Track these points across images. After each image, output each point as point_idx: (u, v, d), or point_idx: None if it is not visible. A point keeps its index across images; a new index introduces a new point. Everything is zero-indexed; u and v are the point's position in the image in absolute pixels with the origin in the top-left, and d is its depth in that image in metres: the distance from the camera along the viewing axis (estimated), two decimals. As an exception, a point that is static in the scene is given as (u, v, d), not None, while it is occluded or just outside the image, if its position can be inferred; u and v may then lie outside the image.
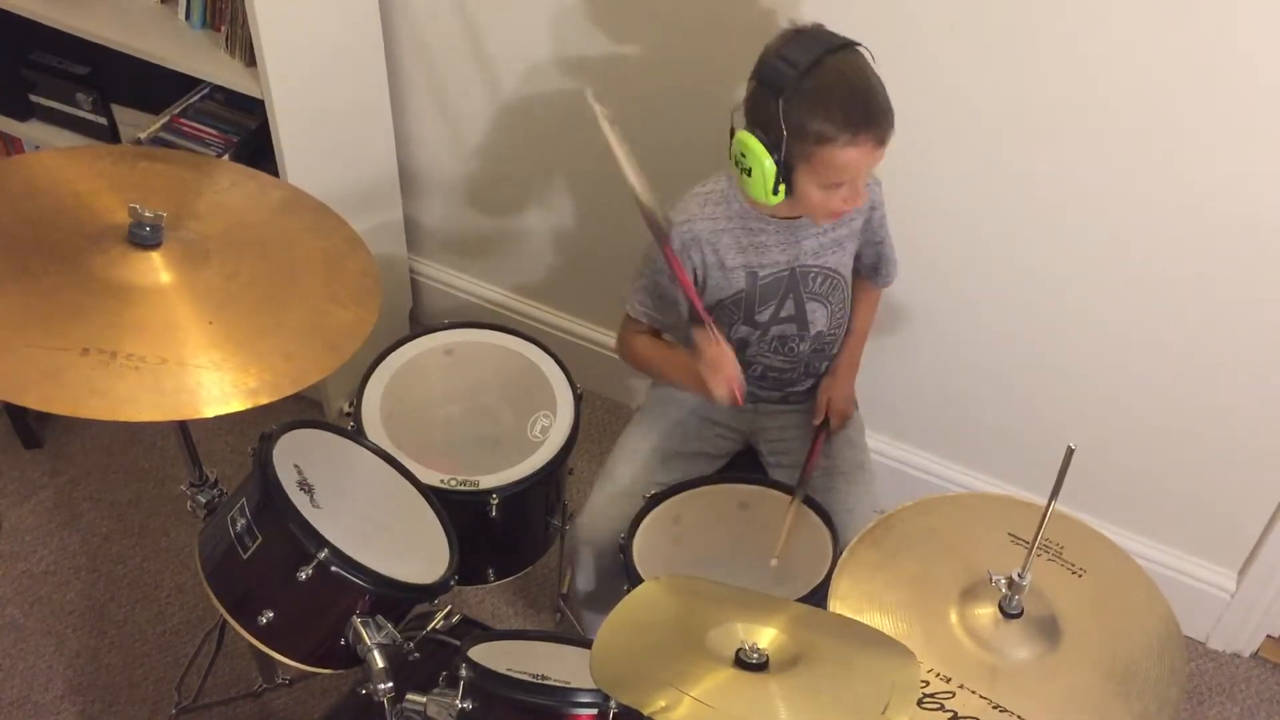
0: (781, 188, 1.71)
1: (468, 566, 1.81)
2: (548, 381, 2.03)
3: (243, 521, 1.62)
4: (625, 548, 1.83)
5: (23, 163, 1.74)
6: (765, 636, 1.30)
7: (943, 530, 1.53)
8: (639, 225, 1.90)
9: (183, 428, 1.78)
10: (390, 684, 1.59)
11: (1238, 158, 1.86)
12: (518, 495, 1.90)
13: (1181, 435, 2.19)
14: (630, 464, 1.98)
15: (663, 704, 1.19)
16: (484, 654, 1.59)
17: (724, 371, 1.77)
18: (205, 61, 2.27)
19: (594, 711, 1.53)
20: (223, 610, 1.63)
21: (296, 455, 1.70)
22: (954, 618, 1.40)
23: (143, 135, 2.39)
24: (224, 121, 2.42)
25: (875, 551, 1.49)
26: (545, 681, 1.56)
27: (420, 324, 2.86)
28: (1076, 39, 1.86)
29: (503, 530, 1.95)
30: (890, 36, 1.71)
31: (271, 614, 1.60)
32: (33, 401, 1.40)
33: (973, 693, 1.33)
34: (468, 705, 1.54)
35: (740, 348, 1.97)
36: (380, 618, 1.64)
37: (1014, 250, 2.12)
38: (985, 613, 1.39)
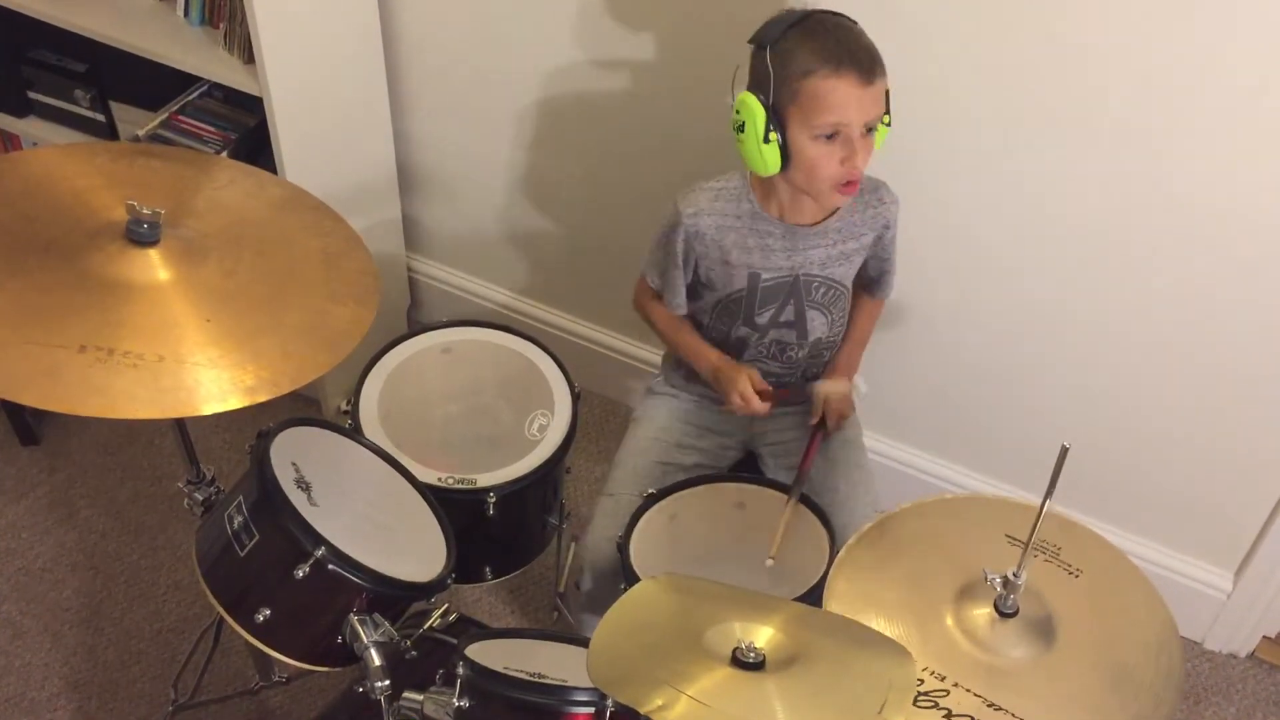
0: (774, 137, 1.71)
1: (465, 565, 1.81)
2: (546, 380, 2.03)
3: (240, 519, 1.62)
4: (622, 547, 1.83)
5: (21, 159, 1.74)
6: (762, 636, 1.30)
7: (939, 531, 1.53)
8: (637, 224, 1.91)
9: (180, 425, 1.77)
10: (387, 682, 1.59)
11: (1236, 159, 1.86)
12: (515, 494, 1.90)
13: (1179, 436, 2.19)
14: (633, 482, 1.98)
15: (659, 703, 1.19)
16: (481, 652, 1.59)
17: (732, 382, 1.88)
18: (204, 59, 2.26)
19: (591, 710, 1.53)
20: (219, 608, 1.63)
21: (294, 453, 1.70)
22: (950, 618, 1.40)
23: (141, 132, 2.39)
24: (222, 119, 2.42)
25: (871, 552, 1.49)
26: (542, 680, 1.56)
27: (418, 322, 2.85)
28: (1075, 38, 1.86)
29: (500, 529, 1.95)
30: (890, 35, 1.72)
31: (268, 611, 1.60)
32: (30, 399, 1.40)
33: (968, 692, 1.33)
34: (465, 703, 1.54)
35: (739, 348, 1.97)
36: (377, 616, 1.64)
37: (1011, 250, 2.12)
38: (981, 613, 1.39)
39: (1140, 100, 1.87)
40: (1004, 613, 1.38)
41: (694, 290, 1.96)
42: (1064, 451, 1.27)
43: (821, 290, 1.91)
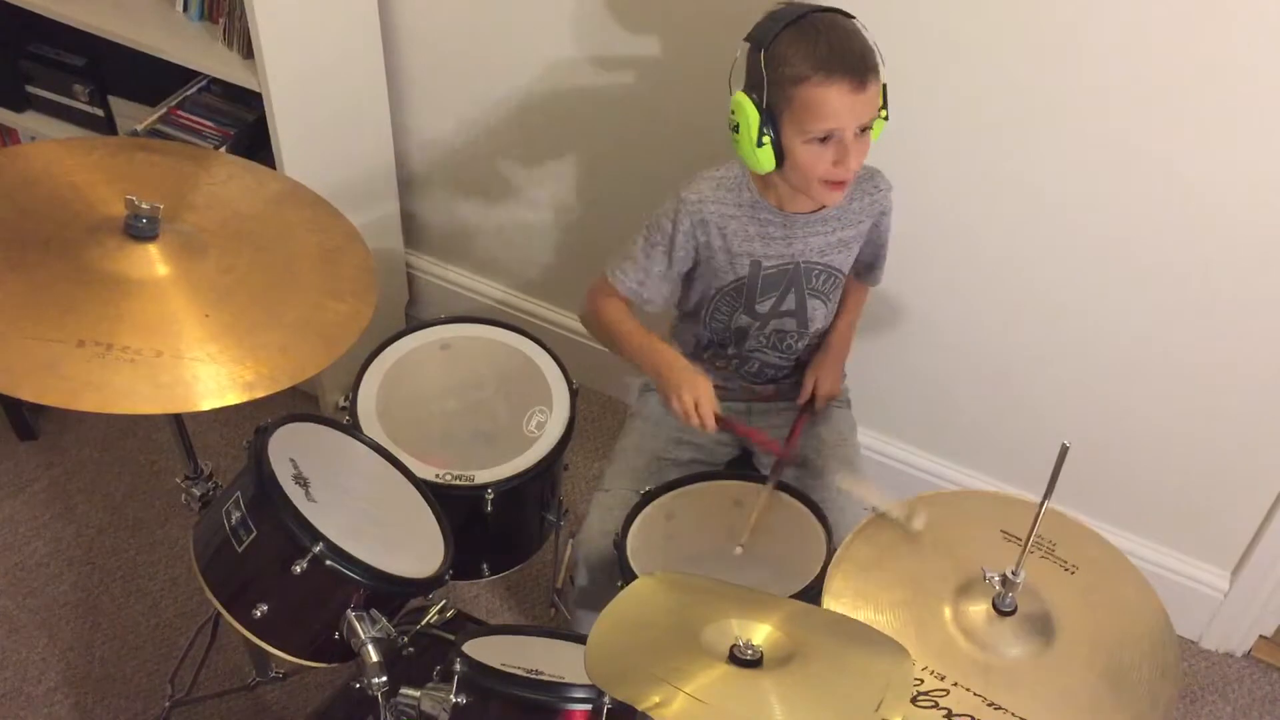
0: (767, 139, 1.70)
1: (462, 561, 1.81)
2: (544, 377, 2.03)
3: (237, 515, 1.62)
4: (619, 545, 1.83)
5: (19, 154, 1.74)
6: (760, 633, 1.30)
7: (936, 528, 1.53)
8: (636, 220, 1.91)
9: (178, 421, 1.77)
10: (384, 678, 1.59)
11: (1235, 158, 1.86)
12: (513, 490, 1.90)
13: (1176, 434, 2.20)
14: (627, 478, 1.98)
15: (657, 700, 1.19)
16: (478, 649, 1.59)
17: (694, 393, 1.81)
18: (203, 54, 2.26)
19: (588, 707, 1.53)
20: (217, 603, 1.63)
21: (292, 449, 1.70)
22: (948, 615, 1.41)
23: (139, 127, 2.38)
24: (221, 114, 2.42)
25: (869, 549, 1.49)
26: (539, 677, 1.56)
27: (416, 319, 2.85)
28: (1074, 34, 1.86)
29: (498, 525, 1.95)
30: (889, 34, 1.71)
31: (266, 607, 1.60)
32: (28, 394, 1.40)
33: (967, 690, 1.33)
34: (462, 700, 1.53)
35: (739, 338, 1.97)
36: (375, 612, 1.64)
37: (1008, 247, 2.12)
38: (979, 610, 1.40)
39: (1140, 99, 1.87)
40: (1002, 610, 1.39)
41: (690, 281, 1.96)
42: (1064, 451, 1.27)
43: (822, 278, 1.91)
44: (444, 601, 1.83)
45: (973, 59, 1.95)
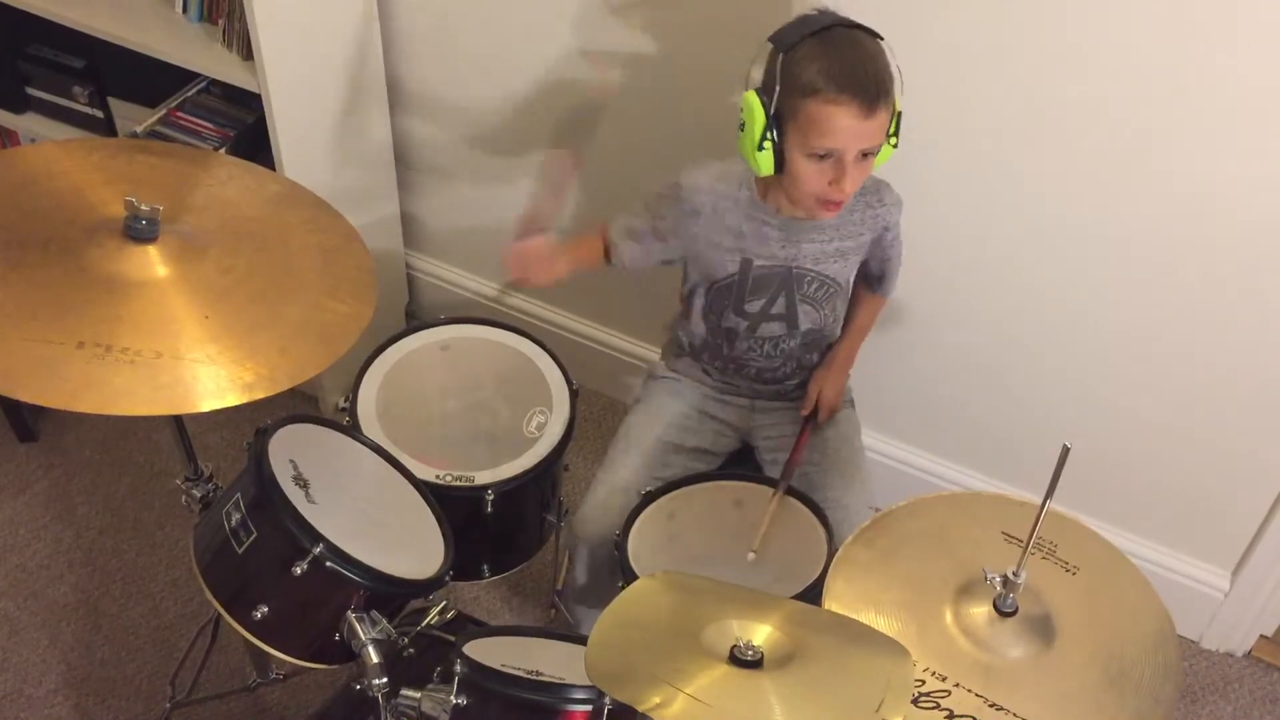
0: (769, 145, 1.70)
1: (463, 562, 1.81)
2: (544, 378, 2.03)
3: (238, 516, 1.62)
4: (620, 544, 1.83)
5: (19, 155, 1.74)
6: (760, 634, 1.30)
7: (937, 529, 1.53)
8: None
9: (178, 422, 1.77)
10: (385, 679, 1.59)
11: (1236, 160, 1.86)
12: (513, 491, 1.90)
13: (1176, 435, 2.19)
14: (632, 458, 1.98)
15: (657, 701, 1.19)
16: (479, 650, 1.59)
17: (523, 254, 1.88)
18: (202, 55, 2.26)
19: (588, 708, 1.53)
20: (217, 605, 1.63)
21: (292, 450, 1.70)
22: (949, 616, 1.40)
23: (139, 129, 2.38)
24: (221, 115, 2.42)
25: (869, 551, 1.49)
26: (540, 678, 1.56)
27: (416, 319, 2.85)
28: (1076, 38, 1.86)
29: (498, 526, 1.95)
30: (890, 33, 1.71)
31: (266, 609, 1.60)
32: (27, 395, 1.40)
33: (968, 690, 1.33)
34: (462, 701, 1.54)
35: (729, 339, 1.97)
36: (375, 613, 1.64)
37: (1010, 248, 2.12)
38: (980, 611, 1.40)
39: (1140, 102, 1.87)
40: (1003, 611, 1.38)
41: (685, 274, 1.97)
42: (1065, 452, 1.26)
43: (814, 285, 1.91)
44: (444, 602, 1.83)
45: (974, 62, 1.95)
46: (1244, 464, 2.17)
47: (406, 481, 1.84)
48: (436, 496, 1.83)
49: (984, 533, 1.50)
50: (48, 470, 2.60)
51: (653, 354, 2.59)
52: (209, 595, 1.64)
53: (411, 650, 1.71)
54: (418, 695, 1.59)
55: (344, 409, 1.96)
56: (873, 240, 1.92)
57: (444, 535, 1.79)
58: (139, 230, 1.55)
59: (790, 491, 1.88)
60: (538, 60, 2.34)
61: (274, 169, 2.29)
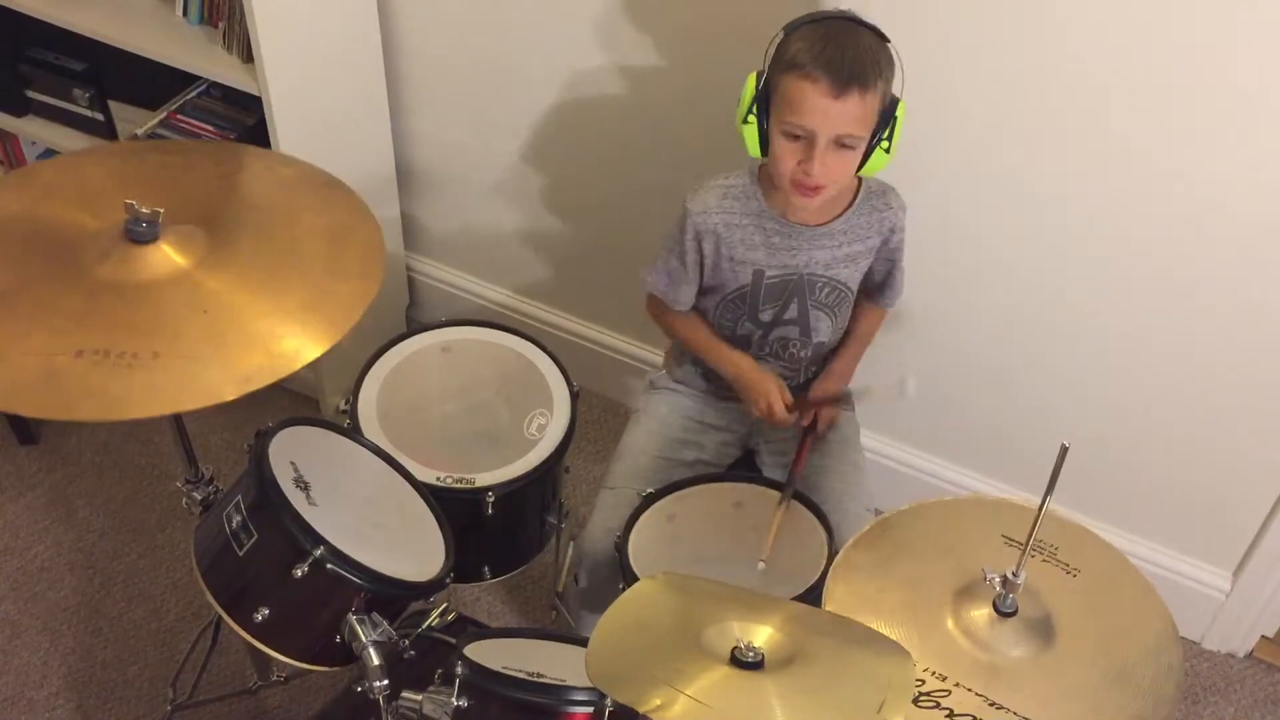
0: (753, 119, 1.72)
1: (463, 564, 1.81)
2: (544, 379, 2.03)
3: (238, 518, 1.62)
4: (621, 546, 1.83)
5: (33, 172, 1.73)
6: (761, 635, 1.30)
7: (937, 533, 1.53)
8: (636, 223, 1.91)
9: (178, 424, 1.77)
10: (385, 682, 1.59)
11: (1236, 161, 1.86)
12: (514, 493, 1.90)
13: (1177, 435, 2.19)
14: (633, 476, 1.98)
15: (658, 702, 1.19)
16: (479, 652, 1.59)
17: (759, 390, 1.91)
18: (202, 58, 2.26)
19: (589, 710, 1.53)
20: (218, 607, 1.63)
21: (292, 452, 1.70)
22: (949, 618, 1.41)
23: (140, 131, 2.39)
24: (221, 118, 2.42)
25: (869, 555, 1.49)
26: (541, 679, 1.56)
27: (417, 322, 2.85)
28: (1076, 36, 1.86)
29: (499, 528, 1.95)
30: (891, 34, 1.71)
31: (267, 611, 1.60)
32: (28, 410, 1.40)
33: (969, 691, 1.33)
34: (463, 703, 1.53)
35: (742, 345, 1.97)
36: (376, 615, 1.64)
37: (1010, 249, 2.12)
38: (980, 612, 1.40)
39: (1141, 102, 1.87)
40: (1003, 612, 1.39)
41: (701, 288, 1.97)
42: (1063, 451, 1.27)
43: (826, 290, 1.91)
44: (445, 604, 1.83)
45: (974, 61, 1.95)
46: (1244, 464, 2.17)
47: (407, 483, 1.84)
48: (437, 498, 1.83)
49: (984, 536, 1.50)
50: (49, 473, 2.60)
51: (653, 355, 2.59)
52: (210, 597, 1.64)
53: (412, 652, 1.71)
54: (419, 697, 1.59)
55: (344, 411, 1.96)
56: (880, 243, 1.92)
57: (445, 537, 1.79)
58: (139, 233, 1.55)
59: (792, 494, 1.88)
60: (538, 62, 2.34)
61: (274, 171, 2.28)
